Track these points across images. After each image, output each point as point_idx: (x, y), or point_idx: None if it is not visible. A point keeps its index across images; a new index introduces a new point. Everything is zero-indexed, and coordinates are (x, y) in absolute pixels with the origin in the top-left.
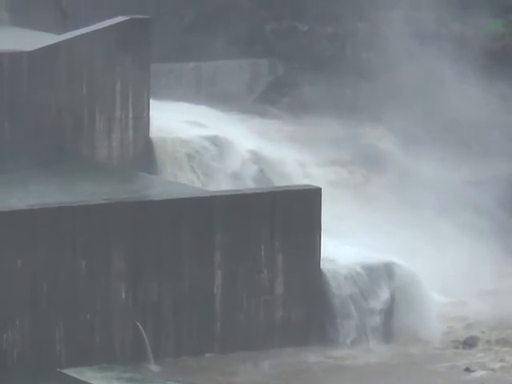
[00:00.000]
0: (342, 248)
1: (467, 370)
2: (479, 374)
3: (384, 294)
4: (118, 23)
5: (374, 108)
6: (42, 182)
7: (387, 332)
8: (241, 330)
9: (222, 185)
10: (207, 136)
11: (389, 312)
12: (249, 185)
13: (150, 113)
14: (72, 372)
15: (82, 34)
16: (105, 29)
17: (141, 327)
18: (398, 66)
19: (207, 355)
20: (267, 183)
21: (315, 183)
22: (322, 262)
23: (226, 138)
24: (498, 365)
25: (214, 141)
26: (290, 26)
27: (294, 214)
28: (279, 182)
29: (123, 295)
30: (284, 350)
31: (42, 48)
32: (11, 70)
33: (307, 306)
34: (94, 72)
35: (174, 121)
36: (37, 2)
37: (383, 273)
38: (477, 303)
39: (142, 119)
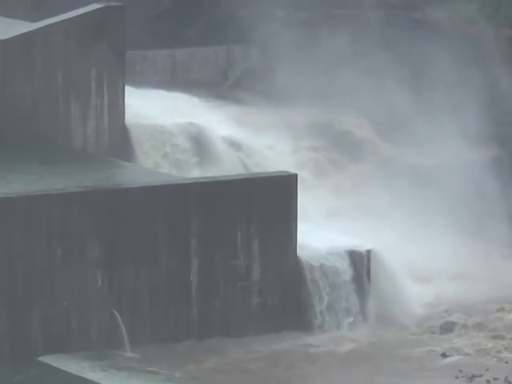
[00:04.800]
0: (318, 234)
1: (443, 355)
2: (455, 358)
3: (360, 280)
4: (93, 11)
5: (349, 95)
6: (17, 171)
7: (363, 318)
8: (217, 316)
9: (198, 172)
10: (183, 123)
11: (365, 298)
12: (225, 171)
13: (126, 100)
14: (49, 359)
15: (57, 22)
16: (79, 16)
17: (117, 315)
18: (373, 53)
19: (184, 342)
20: (244, 170)
21: (291, 169)
22: (298, 248)
23: (203, 125)
24: (474, 349)
25: (190, 127)
26: (265, 12)
27: (271, 200)
28: (256, 169)
29: (99, 283)
30: (260, 336)
31: (17, 36)
32: None
33: (283, 292)
34: (68, 59)
35: (150, 108)
36: None
37: (359, 258)
38: (453, 289)
39: (117, 106)
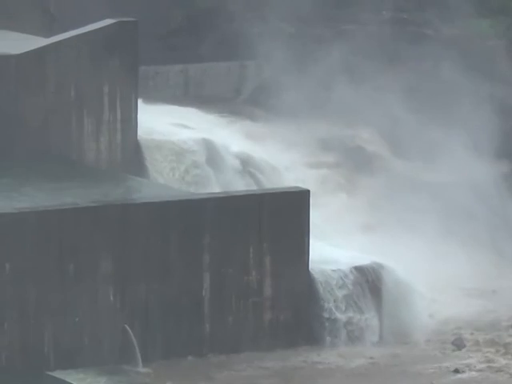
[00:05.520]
0: (330, 250)
1: (456, 371)
2: (467, 374)
3: (372, 296)
4: (106, 26)
5: (360, 111)
6: (29, 185)
7: (376, 333)
8: (229, 331)
9: (210, 187)
10: (195, 138)
11: (377, 313)
12: (237, 187)
13: (138, 115)
14: (61, 374)
15: (70, 37)
16: (92, 32)
17: (129, 330)
18: (384, 69)
19: (196, 357)
20: (255, 185)
21: (303, 185)
22: (310, 264)
23: (215, 141)
24: (485, 365)
25: (203, 143)
26: (277, 28)
27: (283, 215)
28: (267, 184)
29: (111, 298)
30: (272, 352)
31: (30, 51)
32: None
33: (295, 308)
34: (81, 75)
35: (163, 123)
36: (25, 5)
37: (371, 274)
38: (465, 304)
39: (130, 122)
